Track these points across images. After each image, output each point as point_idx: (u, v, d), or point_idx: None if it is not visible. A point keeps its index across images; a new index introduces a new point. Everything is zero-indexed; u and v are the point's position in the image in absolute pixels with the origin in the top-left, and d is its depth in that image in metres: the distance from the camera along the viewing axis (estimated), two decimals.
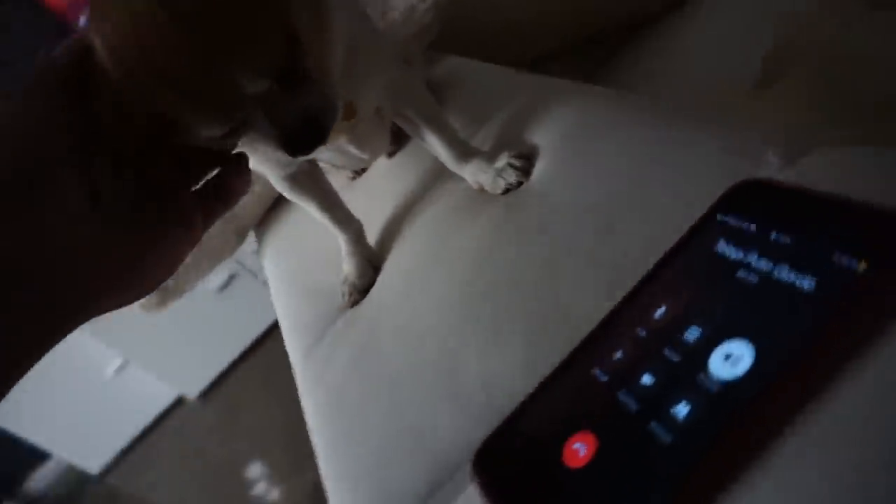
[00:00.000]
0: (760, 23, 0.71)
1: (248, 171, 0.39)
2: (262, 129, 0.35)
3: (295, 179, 0.53)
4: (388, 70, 0.50)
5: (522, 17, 0.99)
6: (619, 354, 0.29)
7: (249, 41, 0.31)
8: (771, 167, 0.35)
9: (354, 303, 0.55)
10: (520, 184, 0.48)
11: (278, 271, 0.72)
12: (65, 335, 0.32)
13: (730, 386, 0.23)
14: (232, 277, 2.39)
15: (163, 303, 0.77)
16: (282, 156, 0.37)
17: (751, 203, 0.30)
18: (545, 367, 0.32)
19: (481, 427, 0.35)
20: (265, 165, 0.50)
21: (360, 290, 0.55)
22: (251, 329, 2.41)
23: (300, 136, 0.36)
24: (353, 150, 0.53)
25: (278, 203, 0.85)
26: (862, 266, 0.23)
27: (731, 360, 0.24)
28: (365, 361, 0.47)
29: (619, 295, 0.32)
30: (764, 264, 0.27)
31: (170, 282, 0.77)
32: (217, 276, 2.35)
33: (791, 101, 0.52)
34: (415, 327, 0.45)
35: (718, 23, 0.83)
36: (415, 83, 0.53)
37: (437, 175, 0.59)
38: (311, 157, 0.40)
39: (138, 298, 0.35)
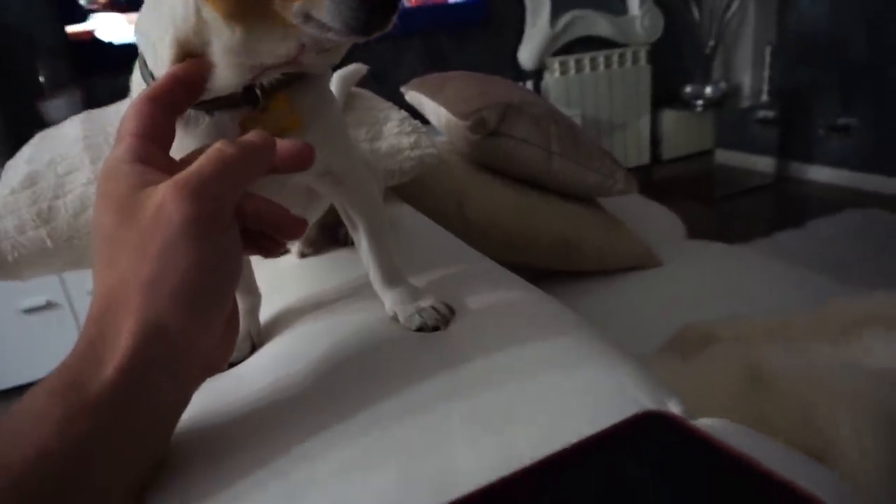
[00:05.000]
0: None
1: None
2: None
3: None
4: (344, 151, 0.50)
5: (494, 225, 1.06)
6: None
7: None
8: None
9: None
10: (435, 328, 0.48)
11: None
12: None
13: None
14: (49, 304, 2.12)
15: None
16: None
17: (657, 433, 0.31)
18: None
19: None
20: None
21: (230, 363, 0.50)
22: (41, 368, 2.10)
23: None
24: None
25: None
26: None
27: None
28: (202, 436, 0.41)
29: (511, 468, 0.31)
30: (658, 491, 0.27)
31: (10, 256, 0.67)
32: (32, 297, 2.08)
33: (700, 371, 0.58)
34: (271, 417, 0.41)
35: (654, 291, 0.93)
36: (371, 188, 0.53)
37: (354, 289, 0.58)
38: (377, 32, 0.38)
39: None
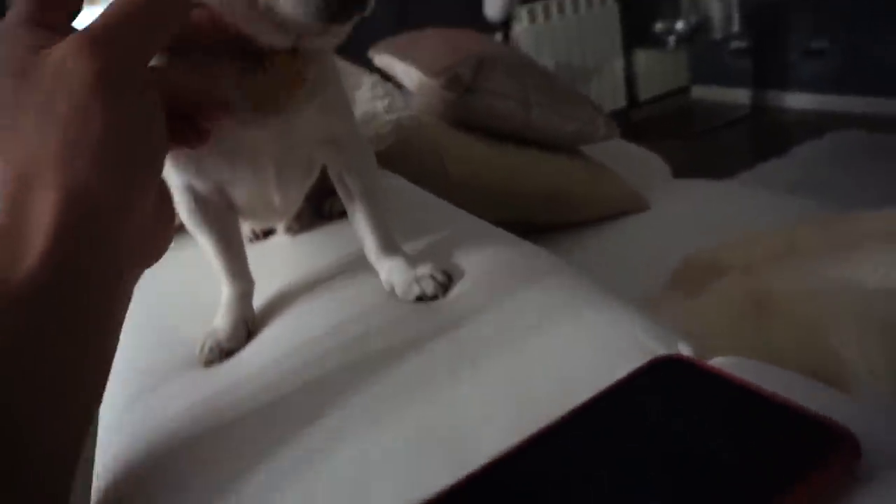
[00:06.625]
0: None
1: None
2: None
3: (206, 204, 0.48)
4: (345, 118, 0.50)
5: (477, 182, 1.05)
6: (523, 488, 0.26)
7: None
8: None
9: (210, 362, 0.48)
10: (434, 297, 0.47)
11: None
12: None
13: None
14: None
15: None
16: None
17: (676, 376, 0.31)
18: (428, 486, 0.29)
19: None
20: (188, 170, 0.45)
21: (225, 351, 0.48)
22: None
23: None
24: (271, 175, 0.48)
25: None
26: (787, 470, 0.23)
27: None
28: (207, 428, 0.40)
29: (527, 430, 0.30)
30: (688, 433, 0.26)
31: None
32: None
33: (707, 309, 0.58)
34: (279, 408, 0.40)
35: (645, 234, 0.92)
36: (369, 155, 0.53)
37: (346, 265, 0.56)
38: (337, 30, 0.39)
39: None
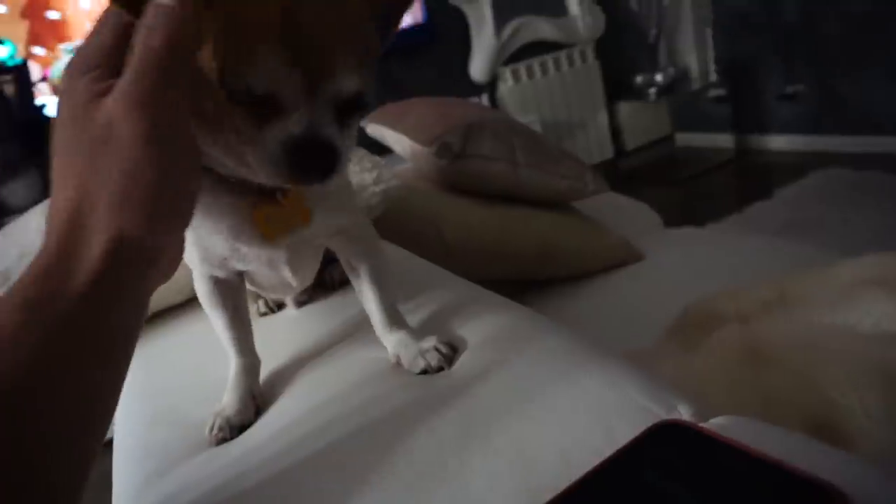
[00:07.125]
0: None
1: None
2: (283, 129, 0.35)
3: (219, 284, 0.52)
4: (352, 211, 0.53)
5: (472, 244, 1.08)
6: None
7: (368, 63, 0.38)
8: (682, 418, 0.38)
9: (222, 440, 0.49)
10: (440, 369, 0.48)
11: (140, 380, 0.63)
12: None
13: None
14: None
15: None
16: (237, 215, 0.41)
17: (675, 441, 0.32)
18: None
19: None
20: (201, 255, 0.49)
21: (234, 427, 0.49)
22: None
23: (315, 155, 0.36)
24: (286, 270, 0.51)
25: (181, 308, 0.79)
26: None
27: None
28: None
29: (534, 497, 0.31)
30: (687, 501, 0.28)
31: None
32: None
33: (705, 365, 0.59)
34: (290, 487, 0.41)
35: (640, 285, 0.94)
36: (374, 238, 0.56)
37: (350, 336, 0.58)
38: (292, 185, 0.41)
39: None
